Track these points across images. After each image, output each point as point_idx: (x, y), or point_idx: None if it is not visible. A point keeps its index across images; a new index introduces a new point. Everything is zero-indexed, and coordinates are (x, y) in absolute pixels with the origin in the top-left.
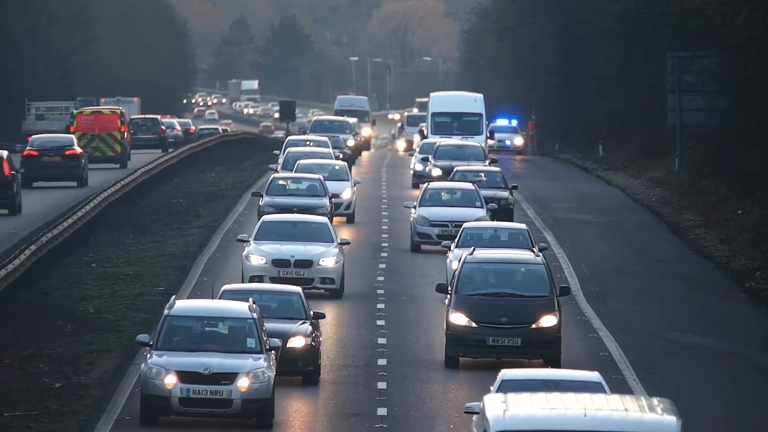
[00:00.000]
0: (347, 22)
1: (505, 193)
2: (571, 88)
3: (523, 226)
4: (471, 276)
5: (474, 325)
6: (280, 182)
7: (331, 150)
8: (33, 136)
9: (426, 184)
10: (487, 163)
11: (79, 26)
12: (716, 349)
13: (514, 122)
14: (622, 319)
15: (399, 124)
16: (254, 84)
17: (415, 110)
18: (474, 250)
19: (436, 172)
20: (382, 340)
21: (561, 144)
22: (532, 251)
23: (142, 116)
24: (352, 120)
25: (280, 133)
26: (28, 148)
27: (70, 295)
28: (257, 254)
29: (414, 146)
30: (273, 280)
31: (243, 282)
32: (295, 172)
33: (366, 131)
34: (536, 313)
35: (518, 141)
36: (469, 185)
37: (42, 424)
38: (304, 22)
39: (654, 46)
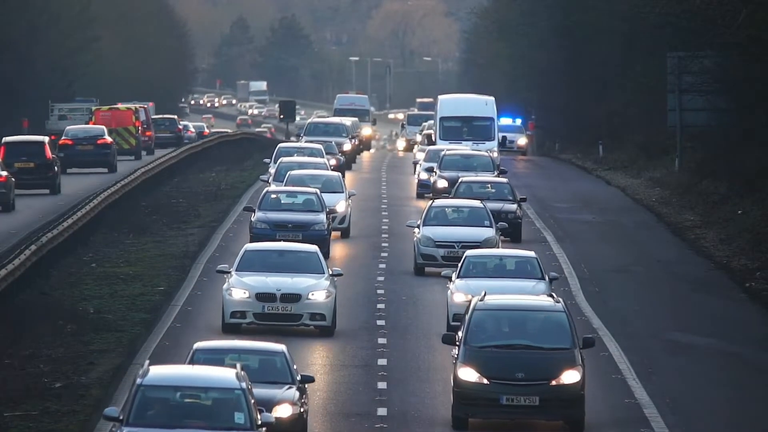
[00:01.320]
0: (347, 22)
1: (513, 206)
2: (571, 88)
3: (531, 253)
4: (482, 325)
5: (486, 381)
6: (274, 196)
7: (325, 160)
8: (67, 127)
9: (430, 201)
10: (496, 173)
11: (79, 26)
12: (716, 349)
13: (518, 121)
14: (622, 319)
15: (402, 123)
16: (263, 85)
17: (415, 110)
18: (485, 295)
19: (442, 183)
20: (382, 340)
21: (561, 144)
22: (552, 296)
23: (161, 116)
24: (349, 122)
25: (264, 128)
26: (63, 137)
27: (70, 295)
28: (239, 287)
29: (415, 149)
30: (257, 317)
31: (223, 318)
32: (286, 183)
33: (366, 131)
34: (557, 367)
35: (522, 141)
36: (477, 203)
37: (42, 424)
38: (304, 22)
39: (654, 46)
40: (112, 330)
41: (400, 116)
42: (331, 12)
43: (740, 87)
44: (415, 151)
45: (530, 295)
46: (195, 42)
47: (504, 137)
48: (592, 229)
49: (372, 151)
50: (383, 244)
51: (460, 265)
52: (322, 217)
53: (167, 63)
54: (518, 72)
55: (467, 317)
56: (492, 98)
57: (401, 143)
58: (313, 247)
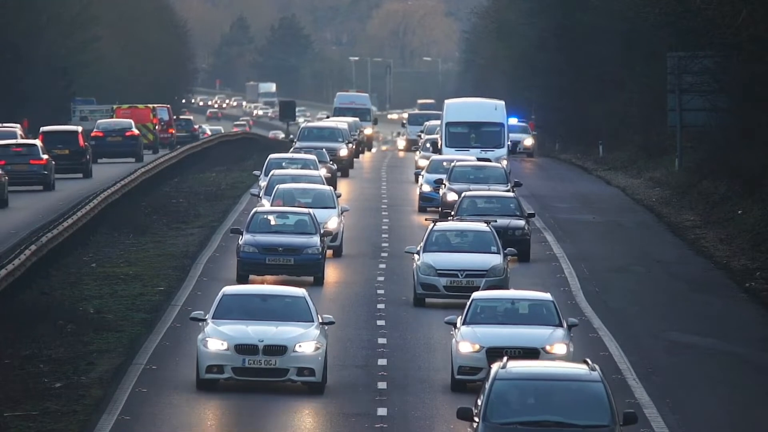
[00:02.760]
0: (347, 22)
1: (521, 222)
2: (571, 88)
3: (547, 296)
4: (504, 397)
5: None
6: (263, 217)
7: (320, 173)
8: (99, 121)
9: (431, 224)
10: (509, 186)
11: (79, 26)
12: (716, 349)
13: (514, 120)
14: (622, 319)
15: (402, 122)
16: (272, 87)
17: (416, 110)
18: (507, 361)
19: (452, 196)
20: (382, 340)
21: (561, 144)
22: (586, 363)
23: (176, 117)
24: (345, 125)
25: (243, 121)
26: (95, 130)
27: (70, 295)
28: (216, 337)
29: (417, 156)
30: (236, 371)
31: (198, 373)
32: (273, 198)
33: (367, 130)
34: None
35: (528, 141)
36: (483, 226)
37: (42, 424)
38: (304, 22)
39: (654, 46)
40: (112, 330)
41: (405, 116)
42: (331, 12)
43: (740, 87)
44: (417, 157)
45: (558, 359)
46: (195, 42)
47: (515, 144)
48: (592, 229)
49: (374, 150)
50: (383, 244)
51: (466, 309)
52: (316, 239)
53: (167, 63)
54: (518, 72)
55: (487, 387)
56: (502, 102)
57: (401, 142)
58: (301, 291)
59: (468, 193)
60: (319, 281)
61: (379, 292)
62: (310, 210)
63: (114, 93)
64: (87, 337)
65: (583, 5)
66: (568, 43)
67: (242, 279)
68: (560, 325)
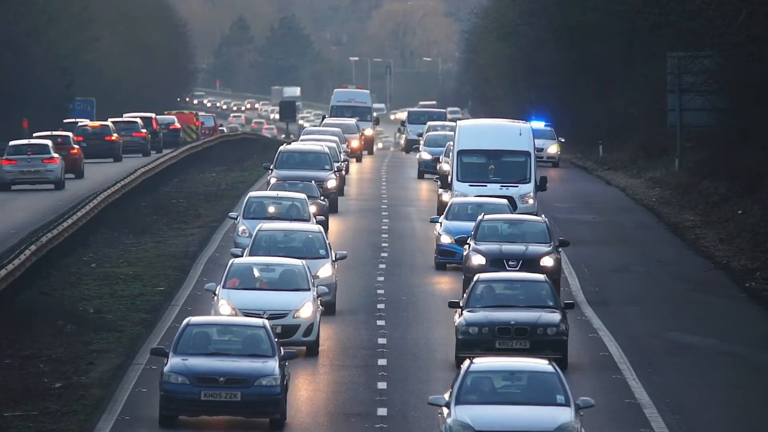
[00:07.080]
0: (347, 22)
1: (555, 317)
2: (571, 88)
3: None
4: None
5: None
6: (199, 330)
7: (317, 226)
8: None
9: (467, 362)
10: (553, 244)
11: (79, 26)
12: (716, 349)
13: (540, 124)
14: (622, 319)
15: (402, 121)
16: (296, 90)
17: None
18: None
19: (478, 259)
20: (382, 340)
21: (560, 144)
22: None
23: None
24: (332, 144)
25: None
26: None
27: (70, 295)
28: None
29: (440, 190)
30: None
31: None
32: (227, 276)
33: (368, 131)
34: None
35: (553, 149)
36: (542, 363)
37: (42, 424)
38: (304, 22)
39: (654, 46)
40: (112, 330)
41: (404, 115)
42: (331, 12)
43: (740, 87)
44: (440, 191)
45: None
46: (195, 42)
47: (543, 178)
48: (592, 229)
49: (378, 147)
50: (383, 244)
51: None
52: (273, 365)
53: (167, 63)
54: (518, 72)
55: None
56: (528, 126)
57: (402, 140)
58: None
59: (483, 276)
60: (277, 424)
61: (379, 292)
62: (265, 321)
63: (114, 93)
64: (87, 337)
65: (583, 5)
66: (568, 43)
67: (167, 421)
68: None
